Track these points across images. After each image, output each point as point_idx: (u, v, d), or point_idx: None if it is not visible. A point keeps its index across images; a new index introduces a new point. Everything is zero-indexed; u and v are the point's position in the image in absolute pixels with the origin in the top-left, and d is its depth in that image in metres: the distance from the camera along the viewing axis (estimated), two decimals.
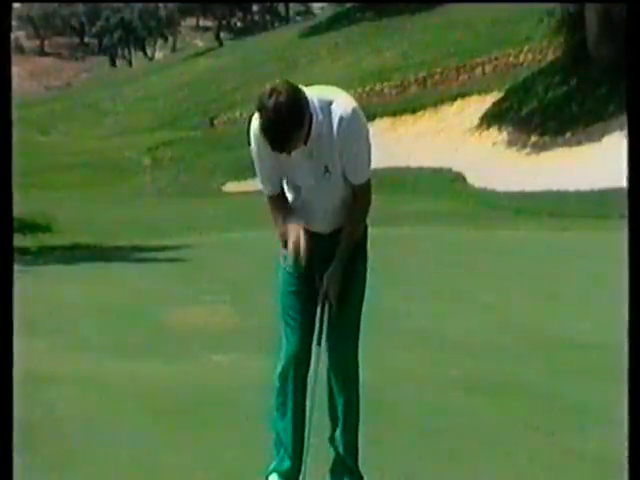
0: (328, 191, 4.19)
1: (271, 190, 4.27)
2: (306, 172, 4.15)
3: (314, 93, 4.04)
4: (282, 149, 3.96)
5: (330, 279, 4.21)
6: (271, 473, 4.39)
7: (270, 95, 3.85)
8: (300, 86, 3.98)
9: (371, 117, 33.44)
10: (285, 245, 4.26)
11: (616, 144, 23.25)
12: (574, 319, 8.98)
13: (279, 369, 4.36)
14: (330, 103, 4.05)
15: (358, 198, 4.22)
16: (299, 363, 4.31)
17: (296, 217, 4.22)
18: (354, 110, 4.07)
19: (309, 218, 4.28)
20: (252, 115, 4.06)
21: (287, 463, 4.36)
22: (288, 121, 3.85)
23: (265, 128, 3.90)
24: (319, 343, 4.25)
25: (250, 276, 11.50)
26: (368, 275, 4.38)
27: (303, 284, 4.31)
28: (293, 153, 4.04)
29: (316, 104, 4.02)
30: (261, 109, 3.88)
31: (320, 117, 4.03)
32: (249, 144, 4.18)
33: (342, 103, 4.07)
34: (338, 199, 4.22)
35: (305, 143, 4.04)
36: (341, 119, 4.03)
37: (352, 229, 4.24)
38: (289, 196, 4.30)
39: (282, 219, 4.25)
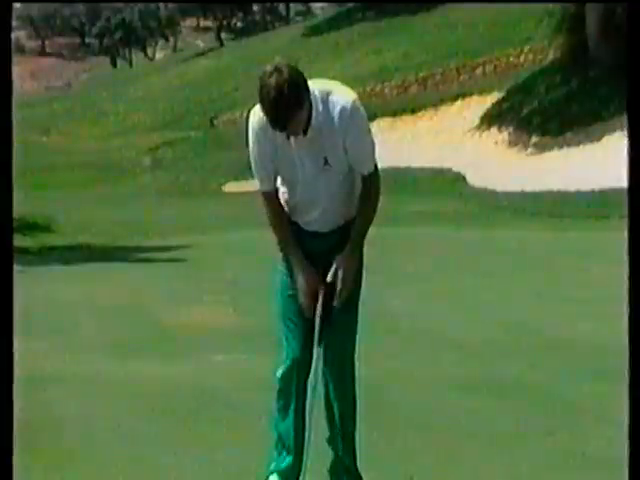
0: (326, 185, 4.16)
1: (267, 185, 4.22)
2: (306, 164, 4.13)
3: (315, 85, 4.04)
4: (283, 127, 3.93)
5: (341, 263, 4.14)
6: (271, 473, 4.39)
7: (271, 74, 3.85)
8: None
9: (371, 117, 33.29)
10: (281, 250, 4.27)
11: (616, 144, 23.25)
12: (574, 319, 8.97)
13: (281, 372, 4.33)
14: (330, 94, 4.06)
15: (367, 188, 4.19)
16: (301, 366, 4.28)
17: (294, 233, 4.22)
18: (354, 102, 4.08)
19: (307, 217, 4.26)
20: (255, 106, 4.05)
21: (287, 464, 4.35)
22: (289, 99, 3.84)
23: (266, 106, 3.88)
24: (319, 344, 4.23)
25: (250, 276, 11.48)
26: (367, 275, 4.37)
27: None
28: (293, 143, 4.03)
29: (317, 95, 4.02)
30: (262, 87, 3.86)
31: (320, 108, 4.03)
32: (247, 135, 4.15)
33: (342, 95, 4.08)
34: (336, 196, 4.19)
35: (305, 133, 4.04)
36: (342, 110, 4.03)
37: (365, 219, 4.21)
38: (287, 194, 4.27)
39: (280, 227, 4.23)
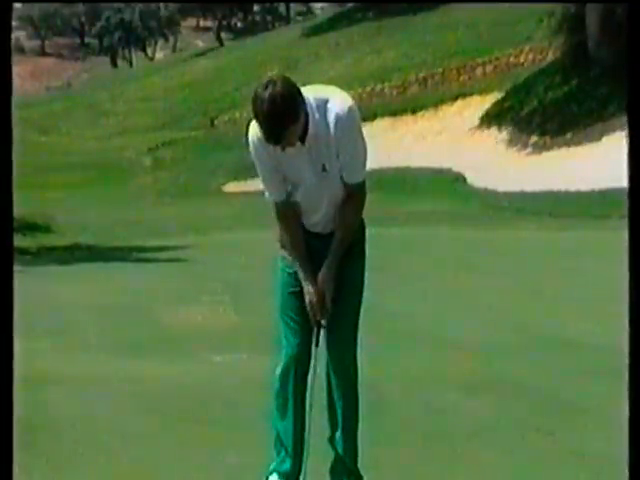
0: (327, 190, 4.18)
1: (277, 196, 4.24)
2: (305, 172, 4.15)
3: (310, 93, 4.04)
4: (277, 141, 3.94)
5: (324, 282, 4.19)
6: (271, 473, 4.39)
7: (265, 87, 3.87)
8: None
9: (371, 117, 33.51)
10: (283, 246, 4.27)
11: (616, 144, 23.26)
12: (574, 319, 8.98)
13: (279, 370, 4.35)
14: (326, 102, 4.06)
15: (352, 198, 4.19)
16: (300, 364, 4.29)
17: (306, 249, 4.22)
18: (350, 108, 4.07)
19: (310, 219, 4.27)
20: (252, 117, 4.06)
21: (287, 463, 4.35)
22: (283, 112, 3.85)
23: (260, 119, 3.90)
24: (317, 344, 4.24)
25: (250, 276, 11.50)
26: (367, 275, 4.38)
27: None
28: (292, 153, 4.04)
29: (313, 103, 4.02)
30: (256, 100, 3.88)
31: (317, 116, 4.03)
32: (248, 147, 4.17)
33: (338, 101, 4.07)
34: (337, 198, 4.20)
35: (302, 142, 4.04)
36: (338, 117, 4.03)
37: (346, 230, 4.21)
38: (293, 197, 4.28)
39: (292, 241, 4.23)
